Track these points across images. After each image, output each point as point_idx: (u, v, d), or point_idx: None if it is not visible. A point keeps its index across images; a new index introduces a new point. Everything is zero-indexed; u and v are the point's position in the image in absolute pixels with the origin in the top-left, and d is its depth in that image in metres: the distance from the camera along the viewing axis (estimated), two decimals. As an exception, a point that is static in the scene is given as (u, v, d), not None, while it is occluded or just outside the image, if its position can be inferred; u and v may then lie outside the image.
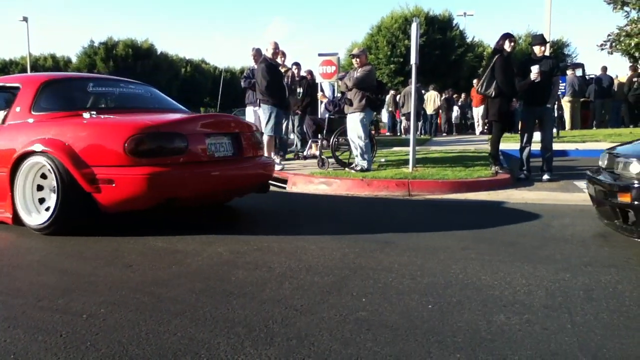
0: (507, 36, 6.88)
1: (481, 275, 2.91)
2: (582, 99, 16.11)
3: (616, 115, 16.62)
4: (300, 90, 9.80)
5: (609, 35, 16.82)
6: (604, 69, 16.17)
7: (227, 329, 2.20)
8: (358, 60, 7.31)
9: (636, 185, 3.25)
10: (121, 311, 2.40)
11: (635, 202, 3.23)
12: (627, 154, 3.50)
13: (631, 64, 15.95)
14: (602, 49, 17.04)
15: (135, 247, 3.60)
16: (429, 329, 2.19)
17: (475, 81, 16.97)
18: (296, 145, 10.04)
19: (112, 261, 3.26)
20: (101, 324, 2.26)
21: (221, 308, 2.43)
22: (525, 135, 7.05)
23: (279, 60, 8.15)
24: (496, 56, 6.84)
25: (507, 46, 6.80)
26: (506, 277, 2.87)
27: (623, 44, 16.33)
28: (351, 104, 7.20)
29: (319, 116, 9.69)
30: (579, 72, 16.22)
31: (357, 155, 7.27)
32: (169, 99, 5.37)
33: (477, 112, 18.33)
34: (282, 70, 8.42)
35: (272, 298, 2.56)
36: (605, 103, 16.10)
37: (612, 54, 16.95)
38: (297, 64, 10.05)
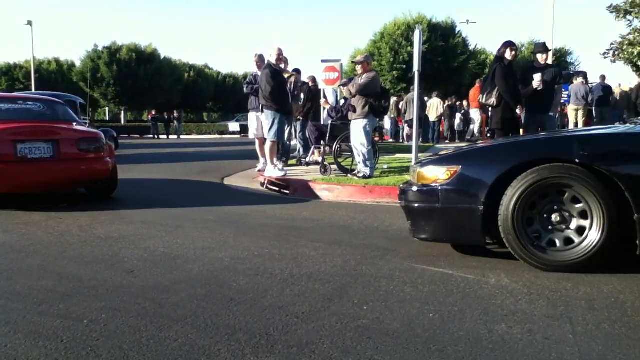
0: (508, 44, 6.88)
1: (482, 283, 2.91)
2: (588, 108, 16.10)
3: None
4: (301, 96, 9.82)
5: (612, 43, 16.85)
6: (602, 77, 16.18)
7: (228, 335, 2.19)
8: (360, 67, 7.32)
9: (404, 189, 3.62)
10: (122, 317, 2.40)
11: (403, 203, 3.62)
12: (418, 162, 3.87)
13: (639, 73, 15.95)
14: (605, 57, 17.06)
15: (136, 252, 3.60)
16: (430, 337, 2.18)
17: (477, 81, 16.96)
18: (299, 152, 10.04)
19: (112, 266, 3.26)
20: (102, 329, 2.26)
21: (222, 314, 2.43)
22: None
23: (282, 66, 8.17)
24: (496, 65, 6.85)
25: (508, 54, 6.80)
26: (508, 286, 2.87)
27: (626, 53, 16.35)
28: (355, 111, 7.21)
29: (322, 122, 9.70)
30: (582, 81, 16.21)
31: (359, 162, 7.27)
32: (66, 113, 6.48)
33: (474, 113, 18.28)
34: (286, 76, 8.44)
35: (273, 305, 2.56)
36: (603, 111, 16.09)
37: (615, 62, 16.97)
38: (297, 71, 10.07)
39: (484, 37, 69.95)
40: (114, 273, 3.11)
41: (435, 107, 18.32)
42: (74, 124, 6.31)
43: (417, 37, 7.21)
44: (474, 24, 34.98)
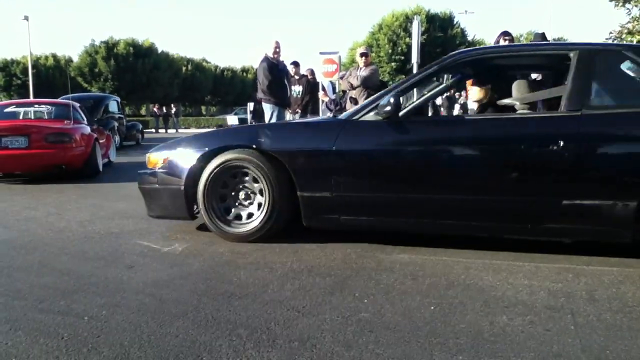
0: (502, 34, 6.84)
1: (483, 275, 2.91)
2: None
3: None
4: (300, 88, 9.79)
5: (610, 32, 16.81)
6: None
7: (229, 330, 2.19)
8: (365, 58, 7.30)
9: (139, 172, 4.10)
10: (123, 313, 2.40)
11: (138, 185, 4.12)
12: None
13: None
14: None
15: (135, 247, 3.60)
16: (431, 330, 2.18)
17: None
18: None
19: (112, 262, 3.26)
20: (103, 326, 2.26)
21: (223, 310, 2.43)
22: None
23: (281, 59, 8.13)
24: None
25: (502, 43, 6.75)
26: (508, 277, 2.87)
27: (625, 42, 16.30)
28: (357, 103, 7.19)
29: (320, 115, 9.67)
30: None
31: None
32: (66, 114, 8.38)
33: (473, 104, 18.24)
34: (297, 77, 8.46)
35: (274, 299, 2.56)
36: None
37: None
38: (295, 63, 10.02)
39: (483, 27, 69.83)
40: (114, 269, 3.10)
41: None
42: (65, 121, 8.20)
43: (415, 28, 7.20)
44: (472, 14, 34.83)
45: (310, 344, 2.07)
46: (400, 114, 3.40)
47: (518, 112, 3.65)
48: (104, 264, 3.21)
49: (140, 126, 17.54)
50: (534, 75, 6.73)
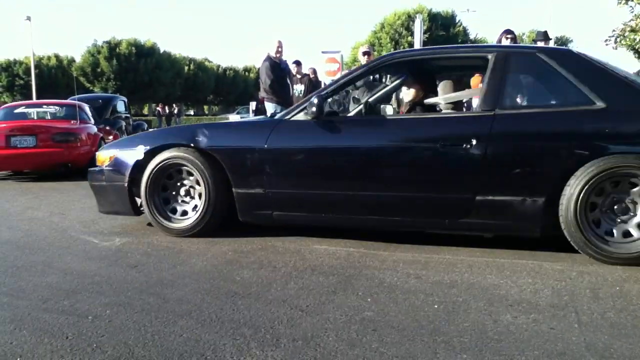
0: (505, 32, 6.83)
1: (487, 274, 2.90)
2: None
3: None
4: (302, 87, 9.78)
5: (613, 30, 16.74)
6: (606, 64, 16.10)
7: (233, 330, 2.20)
8: (369, 58, 7.30)
9: (89, 170, 4.27)
10: (127, 312, 2.40)
11: (89, 182, 4.28)
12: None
13: None
14: (607, 44, 16.97)
15: (139, 247, 3.60)
16: (435, 329, 2.18)
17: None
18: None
19: (116, 261, 3.26)
20: (107, 325, 2.26)
21: (226, 309, 2.43)
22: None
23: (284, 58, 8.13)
24: None
25: (505, 42, 6.74)
26: (512, 275, 2.86)
27: (628, 39, 16.26)
28: (359, 102, 7.18)
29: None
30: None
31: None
32: (73, 114, 8.70)
33: (476, 102, 18.23)
34: (299, 76, 8.46)
35: (277, 298, 2.56)
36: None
37: (617, 49, 16.87)
38: (297, 62, 10.02)
39: (485, 26, 69.72)
40: (118, 268, 3.11)
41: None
42: (72, 121, 8.50)
43: (417, 26, 7.20)
44: (474, 13, 34.75)
45: (314, 342, 2.07)
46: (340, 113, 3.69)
47: (443, 111, 3.79)
48: (107, 264, 3.22)
49: (146, 125, 17.85)
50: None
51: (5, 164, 7.96)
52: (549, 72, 3.35)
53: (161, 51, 41.08)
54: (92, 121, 9.12)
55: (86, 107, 9.38)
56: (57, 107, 9.40)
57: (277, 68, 7.65)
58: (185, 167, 3.79)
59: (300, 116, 3.64)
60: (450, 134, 3.34)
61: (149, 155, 3.86)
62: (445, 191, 3.34)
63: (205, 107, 59.28)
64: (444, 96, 3.89)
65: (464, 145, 3.21)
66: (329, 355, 1.96)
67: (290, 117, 3.71)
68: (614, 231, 3.08)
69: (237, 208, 3.73)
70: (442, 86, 3.96)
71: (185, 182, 3.87)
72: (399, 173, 3.47)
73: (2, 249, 3.66)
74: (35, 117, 9.01)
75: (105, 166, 4.06)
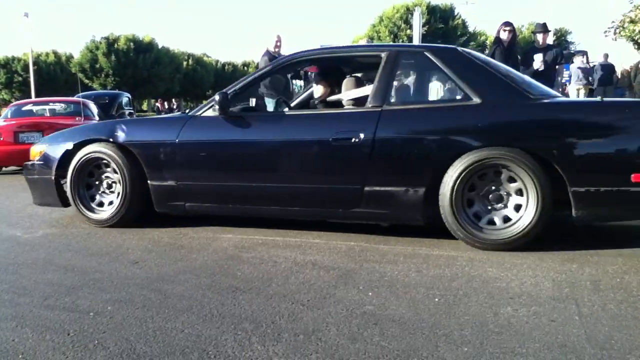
0: (503, 24, 6.81)
1: (487, 266, 2.91)
2: (589, 87, 16.00)
3: (620, 102, 16.50)
4: (301, 83, 9.75)
5: (613, 22, 16.70)
6: (606, 56, 16.05)
7: (234, 325, 2.20)
8: None
9: (24, 164, 4.53)
10: (128, 308, 2.41)
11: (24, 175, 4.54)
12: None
13: None
14: (607, 36, 16.93)
15: (140, 243, 3.61)
16: (436, 322, 2.18)
17: None
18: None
19: (117, 258, 3.26)
20: (108, 321, 2.27)
21: (228, 304, 2.43)
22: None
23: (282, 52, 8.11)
24: (495, 46, 6.79)
25: (503, 34, 6.73)
26: (512, 268, 2.87)
27: (627, 30, 16.21)
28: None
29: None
30: (583, 60, 16.08)
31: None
32: (78, 110, 9.17)
33: None
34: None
35: (278, 293, 2.57)
36: (607, 90, 15.99)
37: (616, 40, 16.83)
38: None
39: (484, 18, 69.57)
40: (119, 265, 3.11)
41: (435, 90, 18.24)
42: (77, 117, 8.85)
43: (416, 19, 7.17)
44: (472, 6, 34.66)
45: (316, 337, 2.07)
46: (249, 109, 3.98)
47: (345, 107, 3.93)
48: (108, 260, 3.22)
49: None
50: (536, 66, 6.73)
51: (14, 159, 8.16)
52: (434, 69, 3.54)
53: (160, 47, 40.96)
54: (97, 118, 9.43)
55: (90, 104, 9.88)
56: (62, 105, 9.97)
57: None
58: (106, 161, 4.03)
59: (210, 112, 3.85)
60: (340, 128, 3.49)
61: (74, 149, 4.10)
62: (337, 183, 3.52)
63: (204, 102, 59.21)
64: (346, 93, 4.03)
65: (353, 139, 3.39)
66: (330, 349, 1.97)
67: (201, 114, 3.90)
68: (488, 218, 3.28)
69: (153, 200, 3.95)
70: (345, 83, 4.11)
71: (107, 175, 4.12)
72: (296, 166, 3.66)
73: (2, 246, 3.67)
74: (48, 114, 9.51)
75: (37, 160, 4.32)
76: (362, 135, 3.37)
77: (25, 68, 37.37)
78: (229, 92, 3.80)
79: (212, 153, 3.84)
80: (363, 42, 7.52)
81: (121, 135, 3.97)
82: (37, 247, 3.58)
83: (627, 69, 16.30)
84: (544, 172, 3.10)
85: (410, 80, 3.72)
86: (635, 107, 3.28)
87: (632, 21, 16.01)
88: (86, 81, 37.48)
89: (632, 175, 2.98)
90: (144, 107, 47.80)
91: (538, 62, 6.69)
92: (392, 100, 3.51)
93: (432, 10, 26.20)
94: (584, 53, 16.12)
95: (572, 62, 15.35)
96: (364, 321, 2.21)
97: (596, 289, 2.53)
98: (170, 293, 2.60)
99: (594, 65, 15.91)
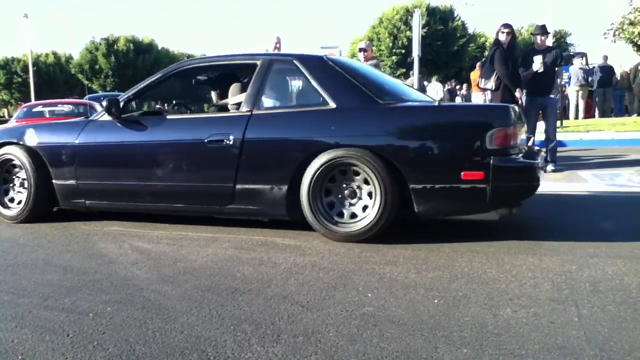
0: (502, 26, 6.81)
1: (486, 268, 2.91)
2: (589, 89, 16.01)
3: (619, 104, 16.53)
4: (300, 83, 9.77)
5: (612, 23, 16.68)
6: (605, 57, 16.06)
7: (234, 326, 2.20)
8: (366, 54, 7.28)
9: None
10: (127, 309, 2.41)
11: None
12: None
13: None
14: (606, 38, 16.92)
15: (139, 244, 3.61)
16: (435, 323, 2.18)
17: (478, 64, 16.85)
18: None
19: (116, 259, 3.26)
20: (108, 322, 2.26)
21: (227, 305, 2.43)
22: (529, 126, 7.02)
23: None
24: (494, 48, 6.79)
25: (501, 36, 6.73)
26: (512, 269, 2.87)
27: (627, 32, 16.19)
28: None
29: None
30: (583, 62, 16.10)
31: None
32: (86, 111, 9.18)
33: (476, 96, 18.19)
34: None
35: (277, 294, 2.57)
36: (606, 92, 16.01)
37: (615, 42, 16.82)
38: None
39: (483, 20, 69.62)
40: (118, 266, 3.11)
41: (435, 91, 18.24)
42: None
43: (416, 21, 7.17)
44: (472, 7, 34.70)
45: (315, 338, 2.07)
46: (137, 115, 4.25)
47: (231, 112, 4.15)
48: (107, 261, 3.22)
49: None
50: (535, 67, 6.73)
51: None
52: (300, 77, 3.87)
53: (159, 47, 40.95)
54: None
55: (97, 106, 10.43)
56: (70, 106, 10.71)
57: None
58: (16, 162, 4.35)
59: (105, 117, 4.14)
60: (215, 131, 3.77)
61: None
62: (213, 181, 3.81)
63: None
64: (231, 98, 4.30)
65: (224, 141, 3.69)
66: (329, 350, 1.97)
67: (98, 118, 4.23)
68: (342, 212, 3.56)
69: (58, 197, 4.28)
70: (231, 89, 4.36)
71: (19, 175, 4.43)
72: (177, 166, 3.90)
73: (2, 247, 3.67)
74: (57, 115, 10.15)
75: None
76: (232, 137, 3.66)
77: (25, 69, 37.33)
78: (120, 98, 4.15)
79: (104, 154, 4.17)
80: (361, 44, 7.47)
81: (29, 138, 4.33)
82: (36, 248, 3.58)
83: (626, 71, 16.33)
84: (388, 171, 3.35)
85: (280, 86, 4.04)
86: (466, 110, 3.66)
87: (631, 23, 15.99)
88: (86, 82, 37.46)
89: (462, 173, 3.26)
90: (145, 108, 47.71)
91: (537, 63, 6.70)
92: (262, 104, 3.81)
93: (431, 12, 26.17)
94: (583, 55, 16.16)
95: (572, 64, 15.37)
96: (364, 322, 2.21)
97: (595, 291, 2.53)
98: (169, 294, 2.60)
99: (593, 67, 15.93)
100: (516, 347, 1.96)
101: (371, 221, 3.41)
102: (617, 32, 16.44)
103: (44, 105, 11.19)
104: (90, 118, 4.37)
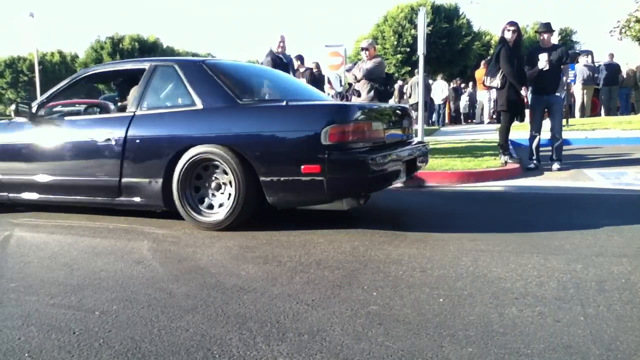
0: (508, 24, 6.79)
1: (492, 267, 2.90)
2: (595, 87, 15.94)
3: (625, 102, 16.45)
4: (304, 82, 9.76)
5: (618, 21, 16.61)
6: (611, 55, 15.99)
7: (239, 324, 2.20)
8: (367, 52, 7.27)
9: None
10: (133, 307, 2.42)
11: None
12: None
13: None
14: (612, 35, 16.85)
15: (144, 242, 3.62)
16: (440, 322, 2.18)
17: (483, 62, 16.79)
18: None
19: (122, 257, 3.28)
20: (114, 320, 2.27)
21: (232, 303, 2.44)
22: (535, 124, 7.00)
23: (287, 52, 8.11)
24: (500, 46, 6.77)
25: (507, 34, 6.71)
26: (517, 268, 2.86)
27: (633, 30, 16.13)
28: (359, 95, 7.17)
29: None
30: (589, 60, 16.03)
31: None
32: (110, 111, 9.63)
33: (481, 96, 18.16)
34: (301, 70, 8.53)
35: (283, 293, 2.57)
36: (612, 90, 15.94)
37: (622, 39, 16.75)
38: (299, 57, 9.99)
39: (488, 18, 69.38)
40: (124, 264, 3.13)
41: (440, 89, 18.21)
42: None
43: (421, 19, 7.14)
44: (477, 5, 34.58)
45: (320, 336, 2.07)
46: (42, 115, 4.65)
47: (120, 112, 4.59)
48: (113, 259, 3.23)
49: None
50: (541, 66, 6.70)
51: None
52: (178, 80, 4.17)
53: (164, 46, 41.04)
54: None
55: (110, 106, 10.51)
56: (85, 106, 10.94)
57: (279, 63, 7.63)
58: None
59: (21, 118, 4.61)
60: (103, 130, 4.20)
61: None
62: (103, 176, 4.18)
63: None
64: (129, 99, 4.58)
65: (111, 140, 4.11)
66: (334, 349, 1.97)
67: (18, 119, 4.65)
68: (207, 204, 3.93)
69: None
70: (131, 92, 4.65)
71: None
72: (75, 162, 4.33)
73: (9, 245, 3.69)
74: None
75: None
76: (117, 136, 4.08)
77: (31, 68, 37.53)
78: (33, 102, 4.63)
79: (17, 152, 4.61)
80: (363, 44, 7.45)
81: None
82: (42, 246, 3.60)
83: (632, 69, 16.24)
84: (243, 166, 3.67)
85: (160, 88, 4.34)
86: (307, 109, 3.91)
87: (637, 20, 15.92)
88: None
89: (302, 167, 3.53)
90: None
91: (543, 61, 6.68)
92: (144, 106, 4.16)
93: (436, 10, 26.12)
94: (589, 53, 16.08)
95: (577, 62, 15.29)
96: (369, 321, 2.21)
97: (601, 290, 2.52)
98: (175, 292, 2.61)
99: (599, 65, 15.85)
100: (522, 346, 1.95)
101: (228, 211, 3.77)
102: (623, 30, 16.38)
103: (62, 105, 11.56)
104: (11, 120, 4.80)
